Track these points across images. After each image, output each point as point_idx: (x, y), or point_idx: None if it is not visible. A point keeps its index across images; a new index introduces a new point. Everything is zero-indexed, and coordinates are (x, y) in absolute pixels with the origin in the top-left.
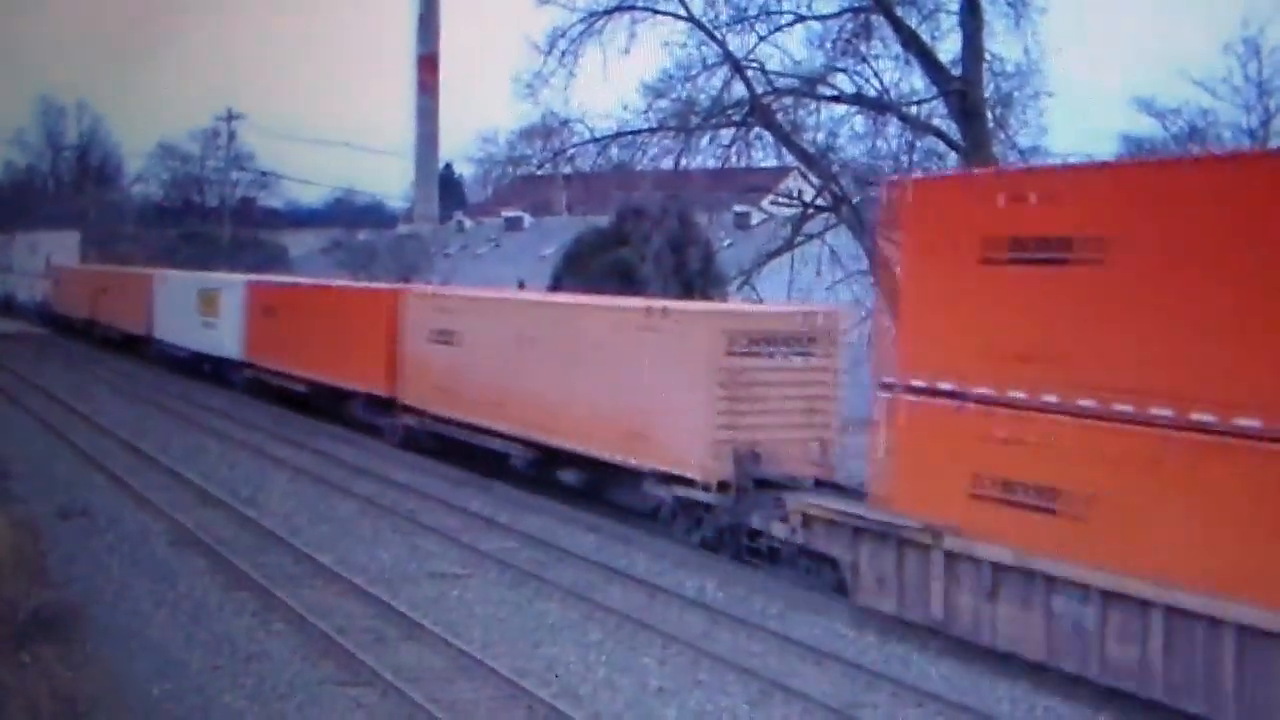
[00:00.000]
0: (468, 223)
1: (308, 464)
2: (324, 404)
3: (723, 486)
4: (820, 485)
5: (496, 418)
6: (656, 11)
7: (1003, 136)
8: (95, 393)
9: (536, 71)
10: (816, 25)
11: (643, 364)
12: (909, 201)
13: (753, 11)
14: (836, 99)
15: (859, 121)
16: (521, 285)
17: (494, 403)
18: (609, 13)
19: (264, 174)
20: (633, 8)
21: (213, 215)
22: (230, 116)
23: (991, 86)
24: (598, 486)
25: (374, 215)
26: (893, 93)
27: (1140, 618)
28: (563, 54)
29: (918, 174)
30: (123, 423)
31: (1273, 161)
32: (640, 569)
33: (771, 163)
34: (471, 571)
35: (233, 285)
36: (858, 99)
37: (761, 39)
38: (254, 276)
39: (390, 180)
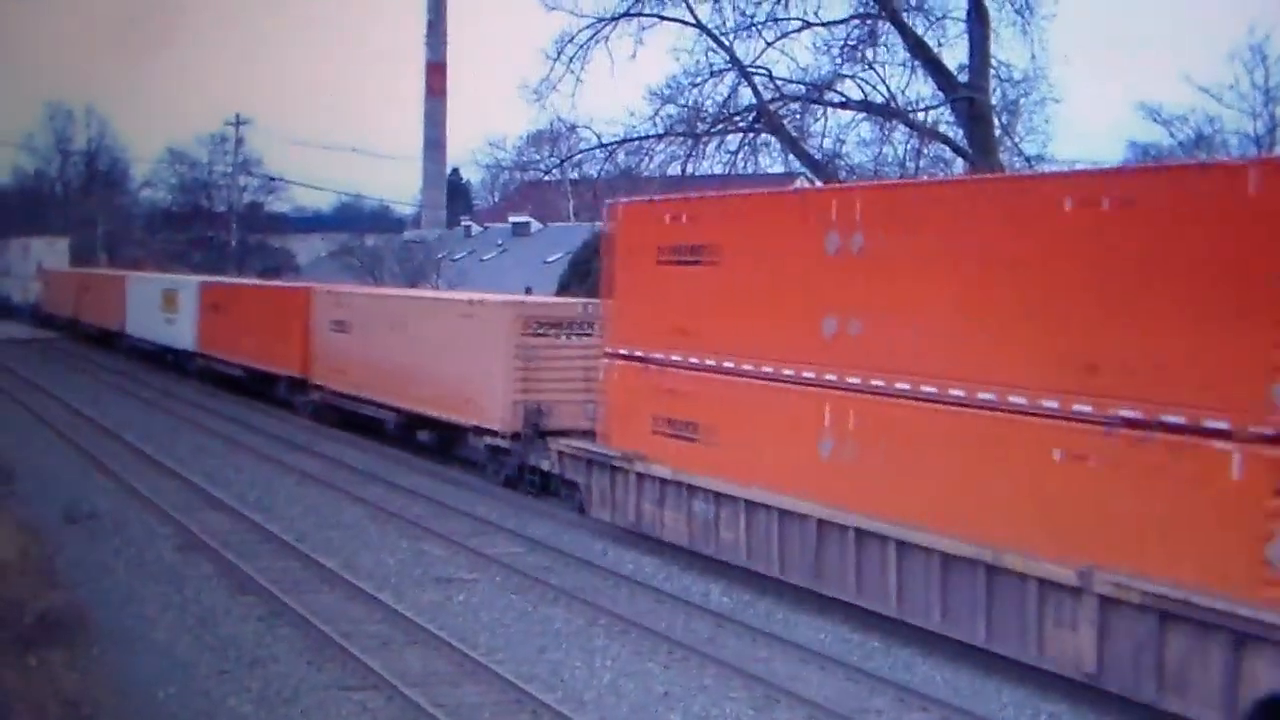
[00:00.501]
0: (475, 228)
1: (314, 468)
2: (257, 386)
3: (516, 436)
4: (587, 434)
5: (374, 390)
6: (664, 18)
7: (1009, 143)
8: (87, 387)
9: (544, 78)
10: (823, 31)
11: (467, 345)
12: (619, 219)
13: (760, 18)
14: (843, 105)
15: (866, 128)
16: (529, 291)
17: (372, 378)
18: (616, 19)
19: (272, 179)
20: (640, 14)
21: (220, 220)
22: (238, 121)
23: (998, 93)
24: (445, 443)
25: (381, 220)
26: (899, 99)
27: (740, 511)
28: (570, 60)
29: (632, 199)
30: (127, 423)
31: (791, 198)
32: (645, 574)
33: (778, 169)
34: (477, 576)
35: (188, 285)
36: (865, 105)
37: (768, 45)
38: (205, 278)
39: (398, 185)
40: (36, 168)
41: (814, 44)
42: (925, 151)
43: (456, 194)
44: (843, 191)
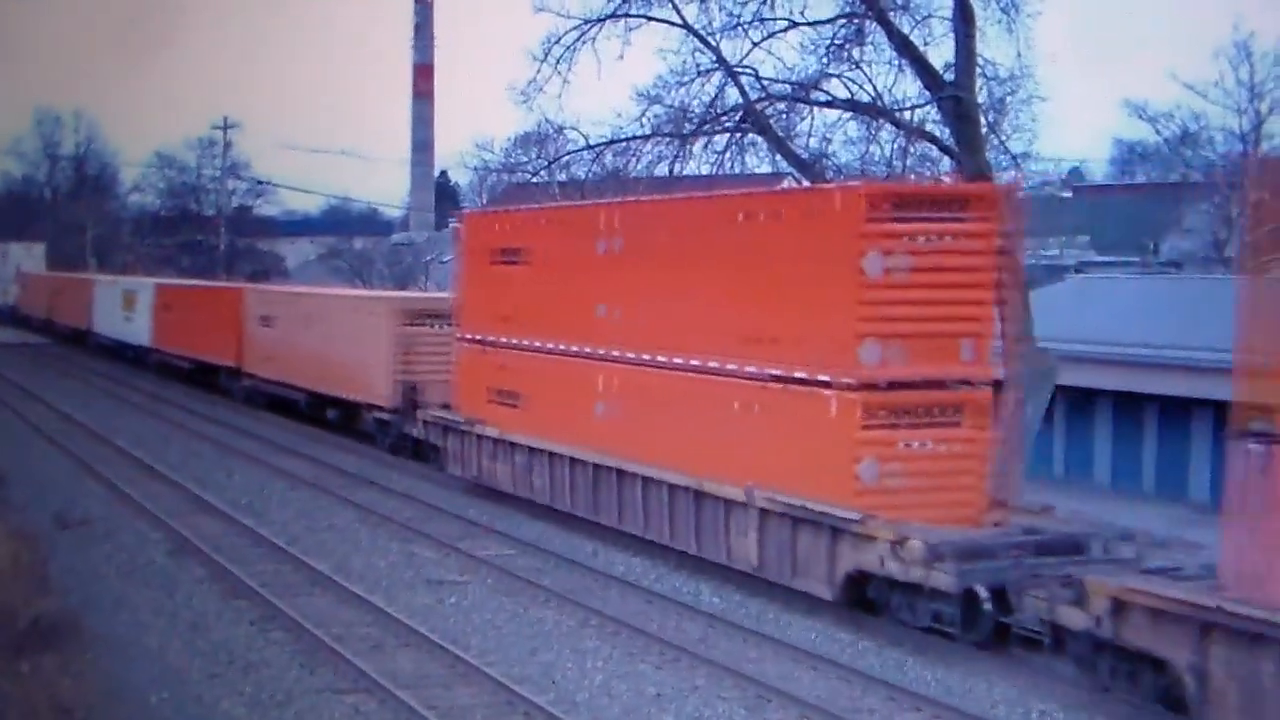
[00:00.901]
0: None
1: (305, 472)
2: (202, 377)
3: (396, 410)
4: (448, 406)
5: (292, 376)
6: (650, 18)
7: (996, 141)
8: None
9: (531, 79)
10: (810, 31)
11: (359, 335)
12: (466, 225)
13: (746, 18)
14: (830, 104)
15: (852, 127)
16: None
17: (290, 365)
18: (603, 20)
19: (260, 182)
20: (626, 15)
21: (209, 224)
22: (226, 125)
23: (984, 92)
24: (348, 419)
25: (370, 223)
26: (886, 98)
27: (544, 461)
28: (557, 61)
29: (483, 209)
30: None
31: (576, 210)
32: (636, 575)
33: (766, 169)
34: (468, 579)
35: (145, 287)
36: (851, 105)
37: (755, 45)
38: (160, 280)
39: (386, 188)
40: (25, 173)
41: (800, 43)
42: (912, 150)
43: (445, 196)
44: (607, 206)
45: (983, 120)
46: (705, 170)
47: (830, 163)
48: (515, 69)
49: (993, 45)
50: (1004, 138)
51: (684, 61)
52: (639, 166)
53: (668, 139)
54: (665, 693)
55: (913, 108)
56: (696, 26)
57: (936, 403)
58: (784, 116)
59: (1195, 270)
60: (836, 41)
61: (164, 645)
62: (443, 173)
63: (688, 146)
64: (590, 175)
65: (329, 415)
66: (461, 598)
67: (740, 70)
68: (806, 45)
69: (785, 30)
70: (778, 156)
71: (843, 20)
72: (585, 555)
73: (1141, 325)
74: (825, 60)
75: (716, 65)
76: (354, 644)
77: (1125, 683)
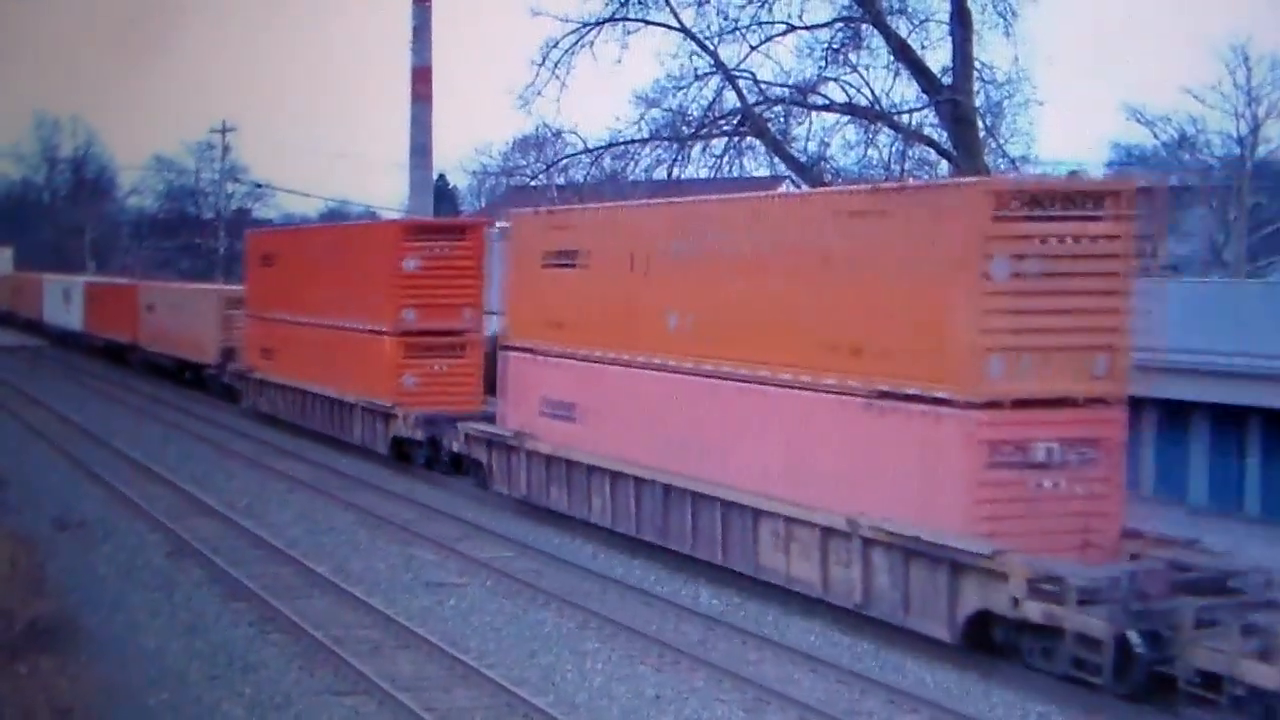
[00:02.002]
0: None
1: (304, 474)
2: (114, 354)
3: (219, 366)
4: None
5: (165, 347)
6: (648, 22)
7: (993, 144)
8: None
9: (529, 83)
10: (807, 35)
11: (201, 315)
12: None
13: (744, 22)
14: (828, 108)
15: (850, 131)
16: None
17: (164, 339)
18: (601, 24)
19: (259, 186)
20: (625, 19)
21: (208, 227)
22: (225, 129)
23: (982, 95)
24: (199, 380)
25: None
26: (884, 102)
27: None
28: (555, 65)
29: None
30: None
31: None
32: (635, 577)
33: (764, 172)
34: (467, 581)
35: (76, 285)
36: (849, 108)
37: (753, 49)
38: (87, 279)
39: (384, 192)
40: (23, 176)
41: (798, 47)
42: (910, 154)
43: (443, 200)
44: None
45: (981, 124)
46: (703, 173)
47: (828, 166)
48: (514, 73)
49: (990, 49)
50: (1002, 141)
51: (682, 65)
52: (637, 170)
53: (666, 142)
54: (664, 694)
55: (910, 111)
56: (694, 30)
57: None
58: (782, 120)
59: (1193, 273)
60: (834, 45)
61: (162, 647)
62: (441, 176)
63: (686, 150)
64: (588, 178)
65: (186, 376)
66: (461, 600)
67: (738, 74)
68: (804, 49)
69: (783, 34)
70: (776, 160)
71: (840, 24)
72: (585, 557)
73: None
74: (823, 64)
75: (714, 69)
76: (353, 646)
77: None
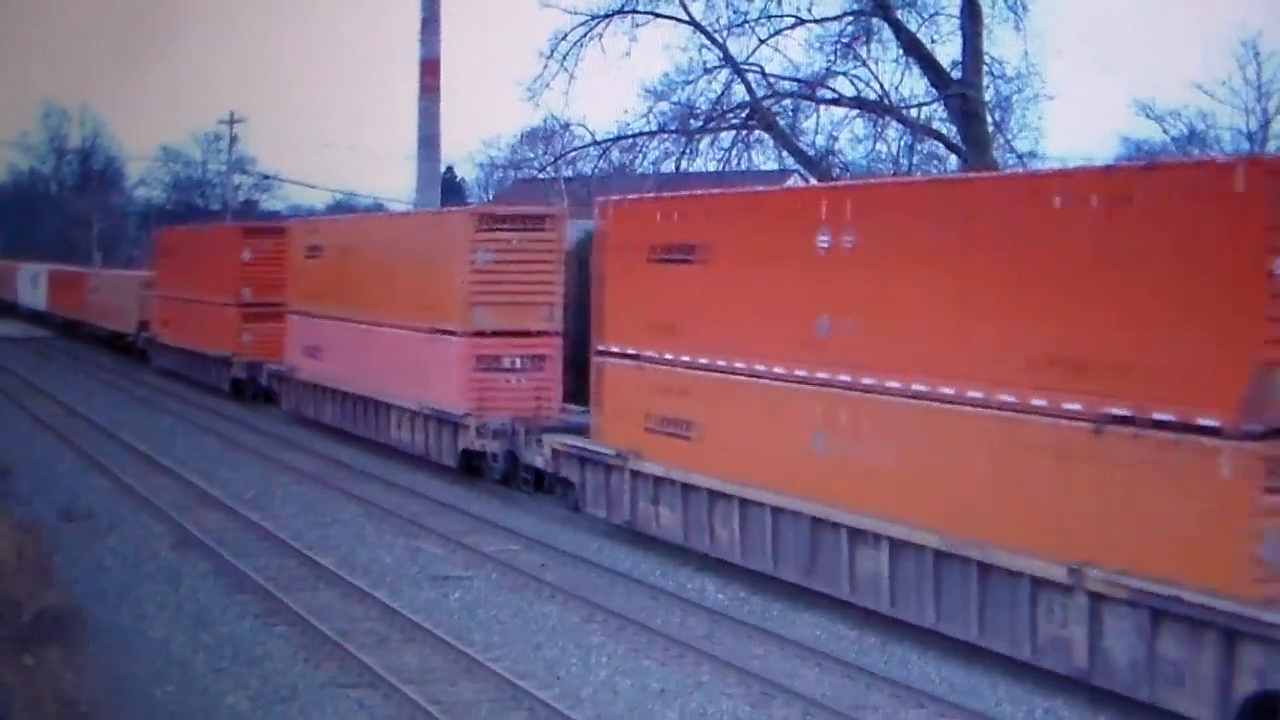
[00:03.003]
0: None
1: (310, 466)
2: (70, 328)
3: (135, 335)
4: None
5: (101, 320)
6: (657, 15)
7: (1002, 139)
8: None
9: (538, 75)
10: (817, 28)
11: (123, 293)
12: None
13: (753, 15)
14: (836, 102)
15: (859, 124)
16: None
17: (102, 314)
18: (610, 16)
19: (266, 177)
20: (634, 11)
21: (215, 219)
22: (232, 120)
23: (991, 89)
24: (123, 348)
25: None
26: (893, 96)
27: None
28: (564, 58)
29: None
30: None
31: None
32: (641, 571)
33: (772, 166)
34: (473, 574)
35: (42, 271)
36: (858, 102)
37: (762, 42)
38: (51, 266)
39: (392, 184)
40: (31, 166)
41: (807, 41)
42: (919, 148)
43: (451, 192)
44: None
45: (989, 118)
46: (712, 167)
47: (837, 160)
48: (523, 65)
49: (1000, 43)
50: (1010, 136)
51: (690, 59)
52: (645, 163)
53: (674, 135)
54: (669, 689)
55: (920, 105)
56: (703, 23)
57: None
58: (790, 114)
59: None
60: (844, 39)
61: (168, 639)
62: (449, 168)
63: (694, 143)
64: (596, 171)
65: (113, 343)
66: (466, 593)
67: (747, 67)
68: (813, 42)
69: (792, 27)
70: (784, 153)
71: (850, 18)
72: (590, 551)
73: None
74: (832, 58)
75: (723, 62)
76: (359, 639)
77: None
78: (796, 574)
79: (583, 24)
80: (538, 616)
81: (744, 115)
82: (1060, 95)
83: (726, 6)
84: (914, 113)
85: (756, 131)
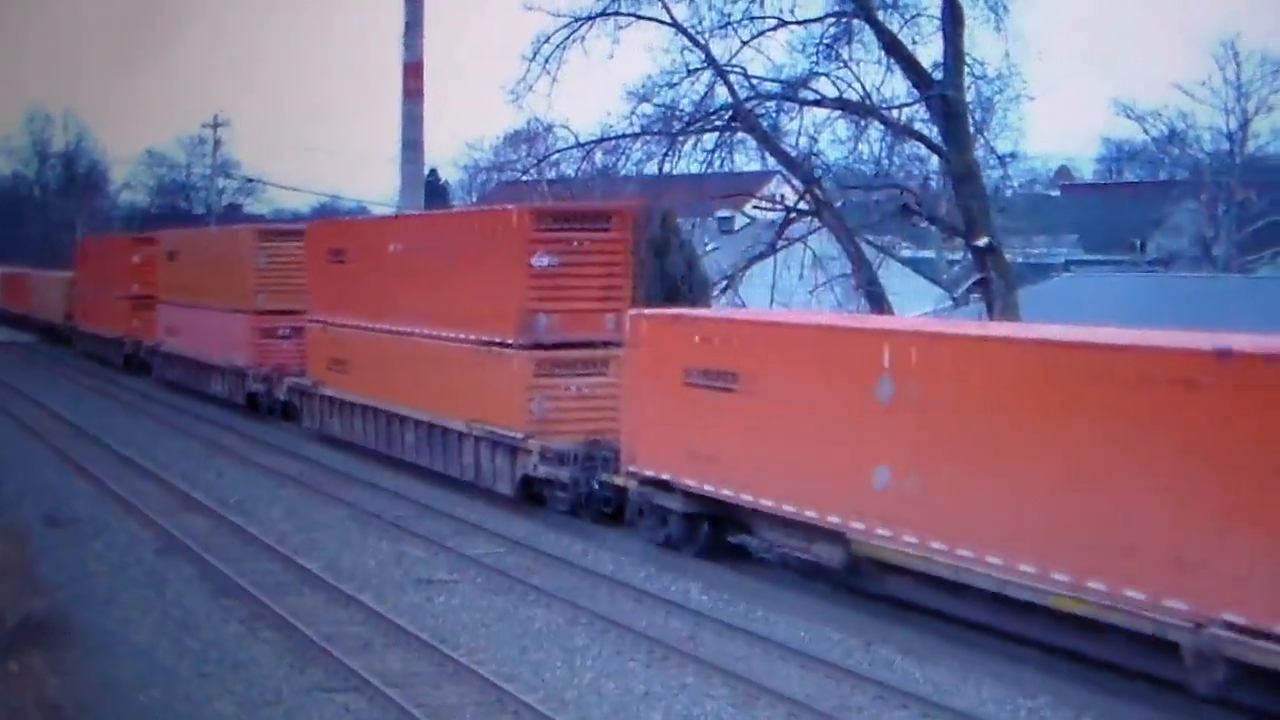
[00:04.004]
0: None
1: (294, 470)
2: (18, 321)
3: (61, 323)
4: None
5: (41, 313)
6: (640, 17)
7: (983, 140)
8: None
9: (521, 78)
10: (799, 30)
11: (58, 293)
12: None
13: (736, 16)
14: (819, 103)
15: (841, 126)
16: None
17: (41, 308)
18: (593, 18)
19: (250, 181)
20: (616, 13)
21: (199, 222)
22: (216, 124)
23: (972, 90)
24: (57, 334)
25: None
26: (874, 97)
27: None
28: (546, 60)
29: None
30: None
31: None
32: (625, 573)
33: (755, 167)
34: (457, 577)
35: None
36: (840, 103)
37: (744, 44)
38: (4, 269)
39: (376, 187)
40: (14, 170)
41: (789, 42)
42: (900, 149)
43: (434, 195)
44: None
45: (971, 119)
46: (695, 169)
47: (819, 161)
48: (506, 67)
49: (981, 44)
50: (992, 136)
51: (673, 60)
52: (628, 165)
53: (657, 137)
54: (654, 691)
55: (901, 106)
56: (686, 25)
57: None
58: (773, 115)
59: (1182, 269)
60: (825, 40)
61: (153, 644)
62: (433, 171)
63: (677, 145)
64: (579, 173)
65: (49, 331)
66: (451, 596)
67: (729, 69)
68: (795, 44)
69: (774, 29)
70: (766, 155)
71: (832, 19)
72: (575, 554)
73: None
74: (814, 59)
75: (706, 64)
76: (343, 643)
77: None
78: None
79: (565, 26)
80: (522, 619)
81: (727, 117)
82: (1041, 96)
83: (709, 8)
84: (896, 114)
85: (739, 133)
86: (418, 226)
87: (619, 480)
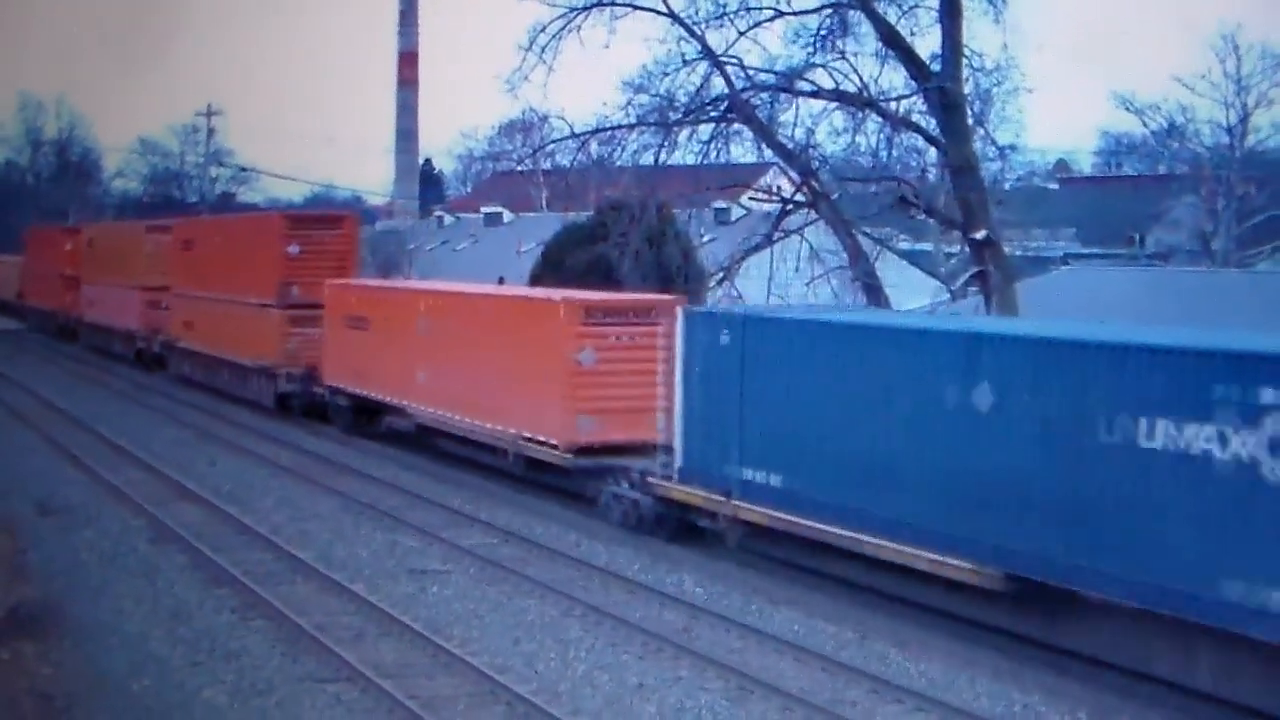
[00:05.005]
0: (447, 218)
1: (288, 460)
2: None
3: (14, 301)
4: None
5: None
6: (636, 7)
7: (982, 132)
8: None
9: (516, 68)
10: (795, 20)
11: (12, 274)
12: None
13: (732, 7)
14: (815, 95)
15: (838, 117)
16: (501, 281)
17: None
18: (589, 8)
19: (243, 169)
20: (612, 3)
21: (192, 211)
22: (210, 112)
23: (971, 82)
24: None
25: (353, 211)
26: (872, 89)
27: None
28: (542, 50)
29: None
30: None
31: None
32: (619, 565)
33: (751, 158)
34: (451, 568)
35: None
36: (837, 95)
37: (741, 34)
38: None
39: (370, 177)
40: (7, 158)
41: (786, 33)
42: (898, 141)
43: (429, 185)
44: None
45: (969, 111)
46: (690, 160)
47: (815, 153)
48: (501, 57)
49: (980, 36)
50: (990, 129)
51: (669, 51)
52: (624, 156)
53: (653, 128)
54: (648, 683)
55: (899, 98)
56: (682, 16)
57: None
58: (769, 106)
59: (1181, 263)
60: (822, 31)
61: (145, 633)
62: (427, 161)
63: (673, 136)
64: (575, 164)
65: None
66: (444, 587)
67: (725, 60)
68: (792, 35)
69: (771, 20)
70: (763, 146)
71: (829, 10)
72: (568, 545)
73: (1137, 318)
74: (811, 50)
75: (701, 55)
76: (336, 633)
77: None
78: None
79: (561, 16)
80: (516, 611)
81: (723, 108)
82: (1040, 88)
83: None
84: (893, 106)
85: (735, 124)
86: (223, 228)
87: (319, 390)
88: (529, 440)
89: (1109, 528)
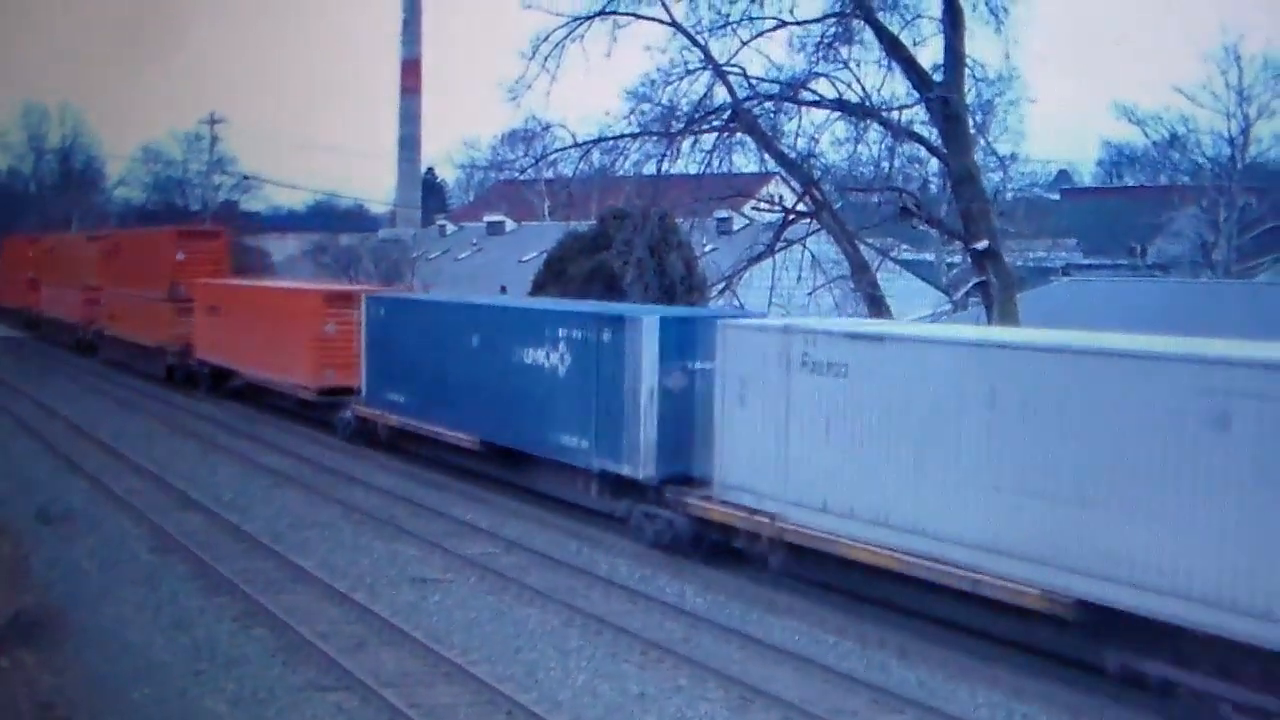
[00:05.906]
0: (450, 227)
1: (289, 469)
2: None
3: None
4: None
5: None
6: (639, 16)
7: (983, 142)
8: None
9: (519, 77)
10: (798, 30)
11: None
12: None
13: (735, 16)
14: (818, 104)
15: (840, 127)
16: (503, 291)
17: None
18: (591, 17)
19: (246, 178)
20: (615, 13)
21: (195, 219)
22: (213, 120)
23: (973, 92)
24: None
25: (356, 219)
26: (874, 98)
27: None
28: (545, 59)
29: None
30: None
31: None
32: (621, 574)
33: (753, 168)
34: (452, 577)
35: None
36: (839, 104)
37: (744, 44)
38: None
39: (373, 185)
40: (10, 165)
41: (789, 42)
42: (900, 151)
43: (432, 193)
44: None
45: (971, 121)
46: (693, 169)
47: (818, 163)
48: (504, 66)
49: (982, 47)
50: (992, 139)
51: (672, 60)
52: (626, 165)
53: (655, 137)
54: (648, 692)
55: (901, 108)
56: (685, 25)
57: None
58: (772, 116)
59: (1182, 274)
60: (825, 41)
61: (146, 641)
62: (430, 169)
63: (675, 145)
64: (577, 173)
65: None
66: (445, 596)
67: (728, 69)
68: (795, 44)
69: (774, 29)
70: (765, 156)
71: (832, 19)
72: (569, 554)
73: (1138, 329)
74: (814, 60)
75: (704, 64)
76: (337, 641)
77: None
78: None
79: (564, 25)
80: (517, 620)
81: (726, 117)
82: (1042, 98)
83: (708, 8)
84: (895, 115)
85: (738, 134)
86: (133, 239)
87: (193, 363)
88: (297, 385)
89: (518, 410)
